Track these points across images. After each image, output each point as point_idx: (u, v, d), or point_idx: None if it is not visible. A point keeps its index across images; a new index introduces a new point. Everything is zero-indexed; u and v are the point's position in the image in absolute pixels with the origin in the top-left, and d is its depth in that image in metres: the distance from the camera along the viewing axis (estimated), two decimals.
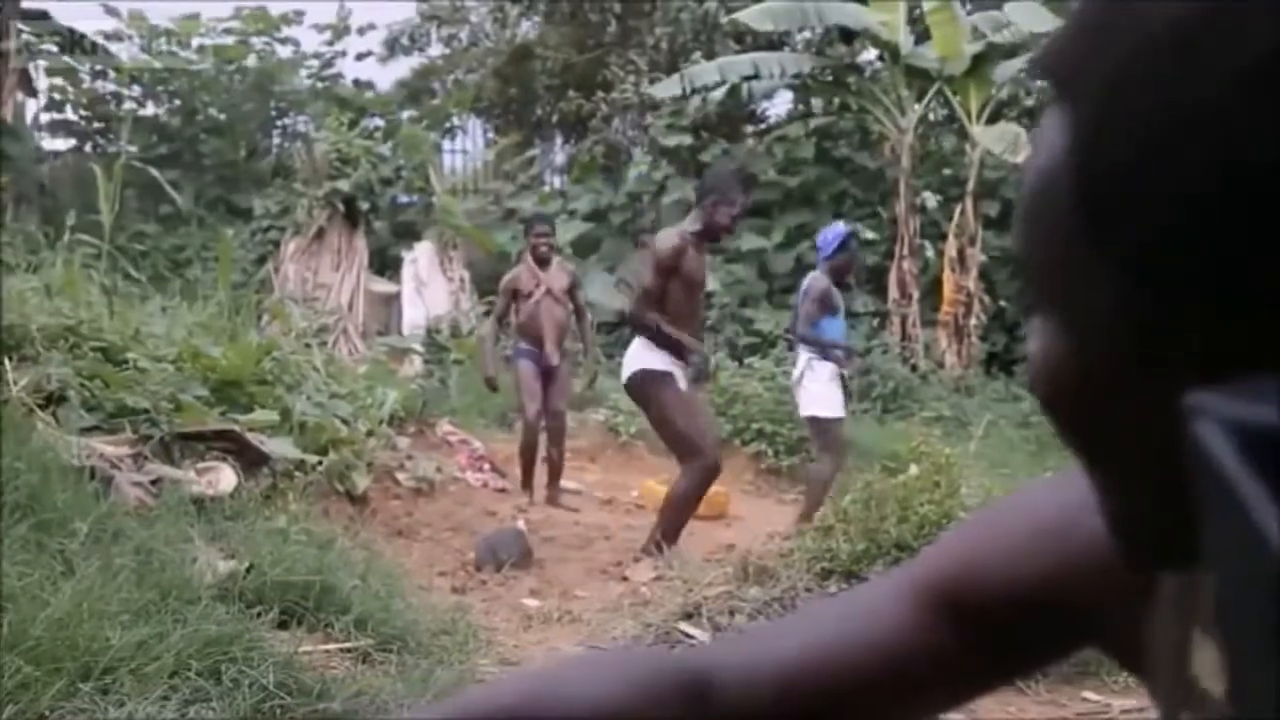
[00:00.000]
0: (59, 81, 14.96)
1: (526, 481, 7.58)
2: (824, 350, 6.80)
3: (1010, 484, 5.89)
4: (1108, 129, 0.42)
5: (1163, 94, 0.40)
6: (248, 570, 4.07)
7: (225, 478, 5.05)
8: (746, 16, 12.52)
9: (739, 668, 0.73)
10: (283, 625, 3.95)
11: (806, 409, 6.92)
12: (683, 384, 5.93)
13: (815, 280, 6.95)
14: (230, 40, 15.38)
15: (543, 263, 7.70)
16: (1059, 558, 0.65)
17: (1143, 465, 0.45)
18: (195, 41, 15.29)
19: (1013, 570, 0.67)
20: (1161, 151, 0.41)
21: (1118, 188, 0.42)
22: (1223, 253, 0.40)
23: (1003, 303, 13.20)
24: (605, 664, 0.76)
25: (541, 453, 7.57)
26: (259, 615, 3.83)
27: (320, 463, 5.76)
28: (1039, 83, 14.04)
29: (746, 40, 14.85)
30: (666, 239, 5.97)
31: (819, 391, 6.79)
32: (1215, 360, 0.41)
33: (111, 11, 14.73)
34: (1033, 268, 0.49)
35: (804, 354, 6.92)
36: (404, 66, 18.46)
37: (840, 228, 7.37)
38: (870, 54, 14.16)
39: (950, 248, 12.60)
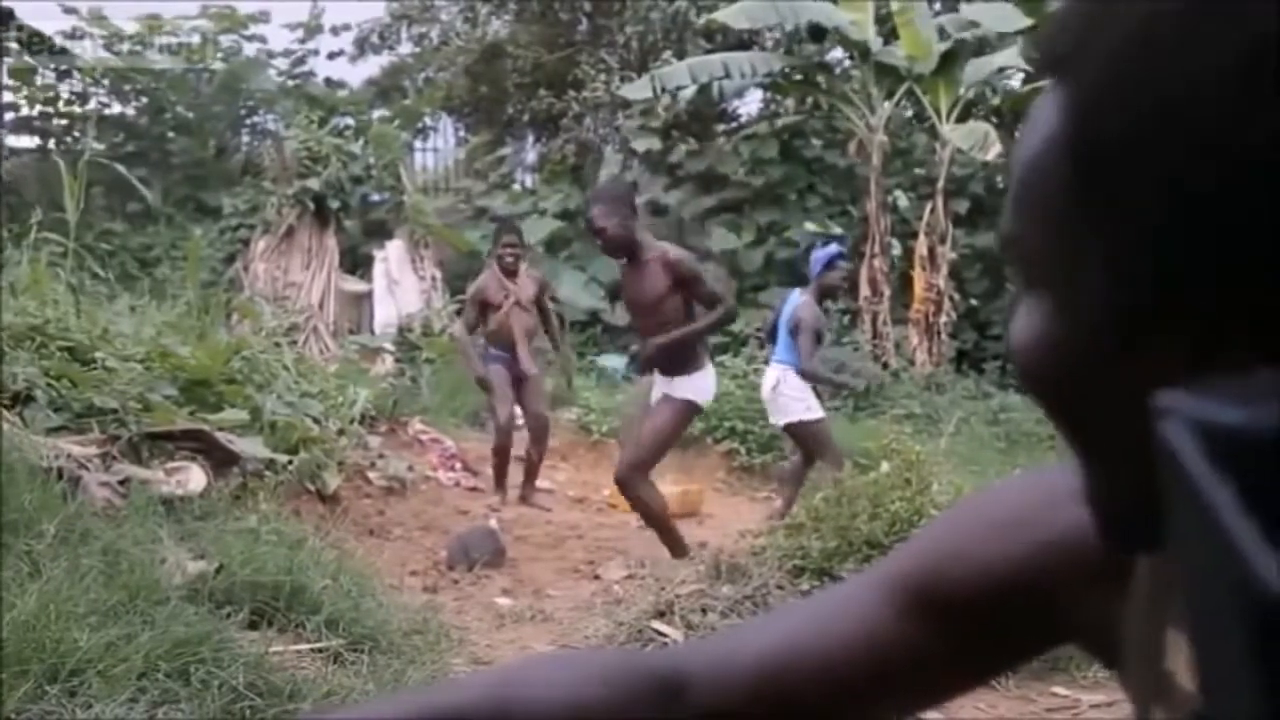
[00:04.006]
0: (18, 82, 14.76)
1: (500, 483, 7.54)
2: (832, 387, 6.73)
3: (981, 481, 5.93)
4: (1107, 106, 0.42)
5: (1163, 72, 0.40)
6: (217, 570, 4.05)
7: (194, 477, 5.01)
8: (723, 16, 12.52)
9: (714, 665, 0.72)
10: (253, 626, 3.92)
11: (789, 416, 6.77)
12: (653, 390, 5.99)
13: (804, 308, 6.76)
14: (196, 39, 15.23)
15: (510, 273, 7.56)
16: (1030, 549, 0.65)
17: (1124, 448, 0.45)
18: (160, 40, 15.11)
19: (985, 562, 0.67)
20: (1159, 130, 0.40)
21: (1114, 165, 0.42)
22: (1215, 237, 0.39)
23: (973, 300, 13.26)
24: (579, 662, 0.76)
25: (517, 451, 7.55)
26: (229, 616, 3.80)
27: (291, 462, 5.73)
28: (1006, 81, 14.13)
29: (717, 39, 14.86)
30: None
31: (797, 396, 6.75)
32: (1200, 349, 0.41)
33: (69, 10, 14.54)
34: (1023, 248, 0.48)
35: (776, 367, 6.82)
36: (374, 65, 18.40)
37: (832, 248, 7.22)
38: (839, 53, 14.20)
39: (921, 246, 12.64)
